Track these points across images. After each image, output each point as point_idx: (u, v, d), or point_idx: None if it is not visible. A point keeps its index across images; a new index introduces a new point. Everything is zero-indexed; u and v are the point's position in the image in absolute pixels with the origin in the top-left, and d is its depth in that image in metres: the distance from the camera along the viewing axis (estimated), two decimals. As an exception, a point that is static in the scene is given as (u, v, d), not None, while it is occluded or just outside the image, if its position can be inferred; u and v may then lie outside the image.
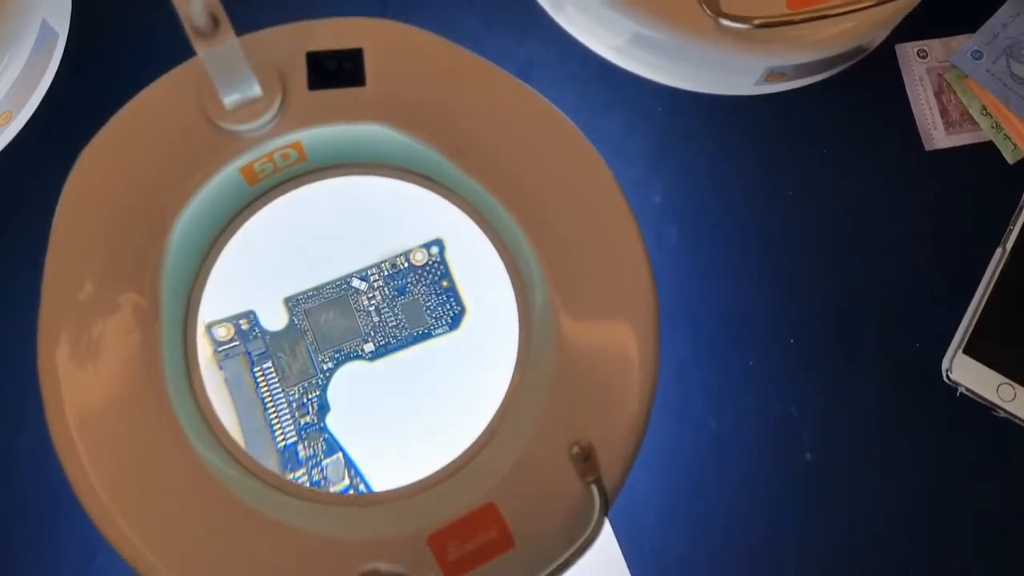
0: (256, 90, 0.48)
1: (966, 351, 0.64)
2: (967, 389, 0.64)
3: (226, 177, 0.50)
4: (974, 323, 0.65)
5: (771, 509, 0.64)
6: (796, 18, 0.59)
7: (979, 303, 0.65)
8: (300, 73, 0.50)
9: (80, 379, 0.46)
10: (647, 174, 0.67)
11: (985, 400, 0.64)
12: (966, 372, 0.64)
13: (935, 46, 0.69)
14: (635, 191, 0.66)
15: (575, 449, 0.46)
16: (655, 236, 0.66)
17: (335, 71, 0.50)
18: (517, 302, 0.51)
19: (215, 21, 0.45)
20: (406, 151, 0.51)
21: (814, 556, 0.63)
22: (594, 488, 0.45)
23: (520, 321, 0.51)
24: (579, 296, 0.49)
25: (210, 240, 0.52)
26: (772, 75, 0.63)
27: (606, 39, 0.65)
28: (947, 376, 0.64)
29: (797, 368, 0.65)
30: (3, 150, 0.64)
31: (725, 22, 0.59)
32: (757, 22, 0.59)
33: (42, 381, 0.46)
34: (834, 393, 0.65)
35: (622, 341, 0.48)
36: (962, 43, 0.69)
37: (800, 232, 0.67)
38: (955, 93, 0.68)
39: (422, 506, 0.48)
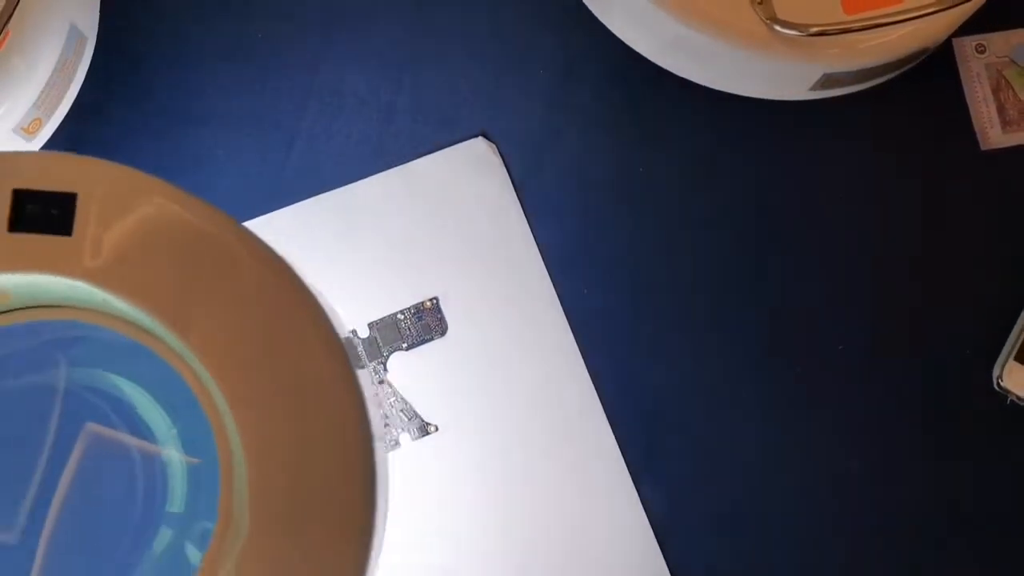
0: None
1: (1017, 358, 0.63)
2: (1018, 398, 0.63)
3: None
4: (1027, 330, 0.63)
5: (816, 519, 0.63)
6: (853, 26, 0.56)
7: (1033, 309, 0.64)
8: (2, 211, 0.45)
9: None
10: (696, 176, 0.66)
11: (1036, 409, 0.63)
12: (1017, 380, 0.63)
13: (994, 40, 0.66)
14: (683, 193, 0.65)
15: None
16: (703, 239, 0.65)
17: (41, 215, 0.45)
18: (221, 499, 0.44)
19: None
20: (120, 305, 0.46)
21: (860, 566, 0.63)
22: None
23: (221, 505, 0.44)
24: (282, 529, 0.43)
25: None
26: (828, 81, 0.61)
27: (652, 42, 0.63)
28: (997, 384, 0.63)
29: (844, 375, 0.64)
30: (33, 158, 0.62)
31: (780, 28, 0.57)
32: (813, 30, 0.56)
33: None
34: (881, 400, 0.64)
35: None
36: (1023, 37, 0.66)
37: (850, 237, 0.65)
38: (1014, 89, 0.66)
39: None
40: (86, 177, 0.45)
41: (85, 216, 0.45)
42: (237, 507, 0.43)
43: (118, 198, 0.45)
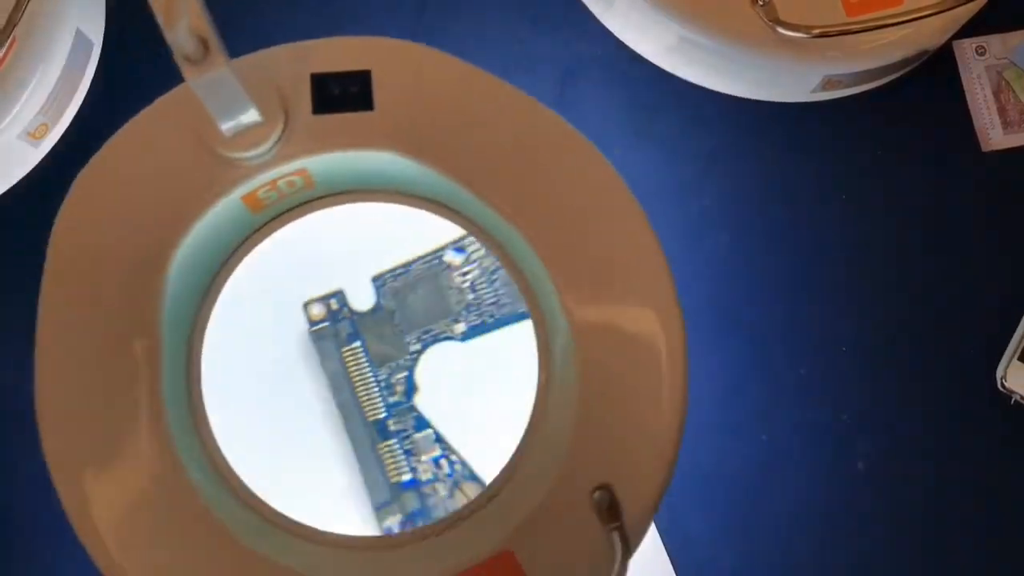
0: (255, 116, 0.44)
1: (1021, 359, 0.63)
2: (1022, 398, 0.63)
3: (227, 206, 0.46)
4: (1031, 330, 0.64)
5: (823, 519, 0.63)
6: (855, 27, 0.57)
7: (1036, 309, 0.64)
8: (304, 96, 0.46)
9: (78, 433, 0.43)
10: (698, 177, 0.66)
11: (1040, 409, 0.63)
12: (1021, 380, 0.63)
13: (994, 42, 0.67)
14: (685, 194, 0.65)
15: (597, 494, 0.44)
16: (705, 240, 0.65)
17: (341, 95, 0.47)
18: (537, 336, 0.48)
19: (204, 46, 0.41)
20: (419, 177, 0.48)
21: (866, 565, 0.63)
22: (615, 536, 0.43)
23: (539, 356, 0.48)
24: (601, 330, 0.46)
25: (213, 272, 0.49)
26: (830, 82, 0.61)
27: (654, 44, 0.64)
28: (1001, 384, 0.63)
29: (849, 376, 0.65)
30: (39, 163, 0.62)
31: (783, 31, 0.57)
32: (816, 31, 0.57)
33: (42, 433, 0.43)
34: (886, 401, 0.64)
35: (648, 373, 0.46)
36: (1022, 38, 0.67)
37: (853, 238, 0.66)
38: (1014, 91, 0.66)
39: (437, 551, 0.46)
40: (375, 54, 0.47)
41: (383, 90, 0.46)
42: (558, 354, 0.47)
43: (412, 70, 0.47)
